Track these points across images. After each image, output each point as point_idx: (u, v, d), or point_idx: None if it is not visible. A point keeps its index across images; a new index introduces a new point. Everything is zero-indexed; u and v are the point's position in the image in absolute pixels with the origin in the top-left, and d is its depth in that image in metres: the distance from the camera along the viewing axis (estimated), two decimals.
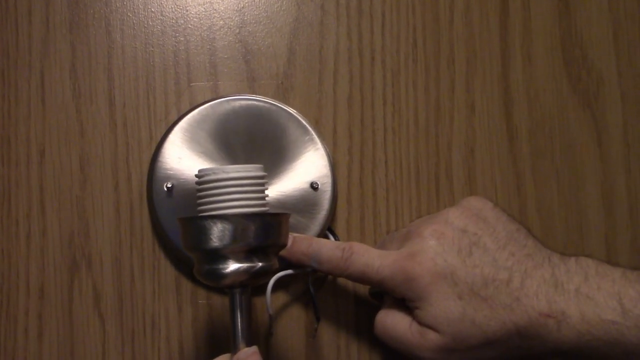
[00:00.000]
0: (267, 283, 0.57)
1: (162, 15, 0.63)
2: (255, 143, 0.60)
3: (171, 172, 0.59)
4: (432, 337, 0.51)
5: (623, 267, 0.50)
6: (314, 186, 0.60)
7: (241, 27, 0.64)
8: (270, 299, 0.56)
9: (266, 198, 0.52)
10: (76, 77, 0.62)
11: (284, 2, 0.64)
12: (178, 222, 0.51)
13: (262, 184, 0.52)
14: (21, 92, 0.62)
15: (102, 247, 0.61)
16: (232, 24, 0.64)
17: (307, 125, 0.61)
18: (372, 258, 0.53)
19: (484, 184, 0.64)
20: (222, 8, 0.64)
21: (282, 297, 0.62)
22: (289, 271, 0.57)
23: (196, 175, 0.52)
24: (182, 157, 0.59)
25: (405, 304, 0.53)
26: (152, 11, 0.63)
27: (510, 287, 0.50)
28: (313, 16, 0.64)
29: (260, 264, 0.50)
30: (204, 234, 0.49)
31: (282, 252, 0.55)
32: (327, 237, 0.61)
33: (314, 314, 0.60)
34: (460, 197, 0.63)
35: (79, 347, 0.61)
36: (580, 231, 0.64)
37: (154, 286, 0.61)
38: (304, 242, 0.56)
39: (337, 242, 0.57)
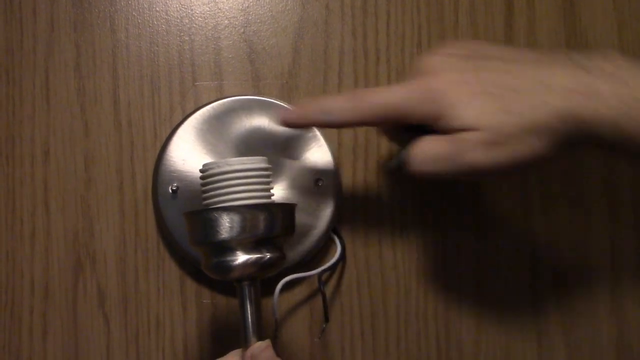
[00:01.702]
0: (273, 284, 0.57)
1: (166, 14, 0.63)
2: (260, 142, 0.60)
3: (176, 174, 0.59)
4: (471, 136, 0.48)
5: None
6: (318, 183, 0.60)
7: (246, 26, 0.64)
8: (278, 303, 0.56)
9: (271, 190, 0.52)
10: (81, 77, 0.62)
11: (289, 2, 0.64)
12: (184, 217, 0.51)
13: (267, 176, 0.52)
14: (26, 91, 0.62)
15: (107, 246, 0.61)
16: (236, 23, 0.64)
17: None
18: (390, 91, 0.51)
19: (487, 185, 0.64)
20: (226, 7, 0.64)
21: (287, 298, 0.62)
22: (298, 275, 0.57)
23: (200, 170, 0.52)
24: (187, 159, 0.59)
25: (433, 127, 0.50)
26: (156, 10, 0.63)
27: (539, 74, 0.48)
28: (318, 15, 0.64)
29: (269, 255, 0.50)
30: (211, 226, 0.49)
31: (290, 118, 0.53)
32: (332, 239, 0.61)
33: (324, 314, 0.60)
34: (464, 196, 0.63)
35: (84, 346, 0.61)
36: (585, 233, 0.64)
37: (158, 286, 0.61)
38: (312, 102, 0.53)
39: (344, 91, 0.55)
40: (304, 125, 0.55)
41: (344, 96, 0.52)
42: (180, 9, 0.63)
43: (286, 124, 0.53)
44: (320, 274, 0.59)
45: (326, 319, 0.60)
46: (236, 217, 0.49)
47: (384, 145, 0.63)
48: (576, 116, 0.47)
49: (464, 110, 0.48)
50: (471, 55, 0.51)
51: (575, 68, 0.48)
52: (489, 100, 0.48)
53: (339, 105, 0.51)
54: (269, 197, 0.52)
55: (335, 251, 0.61)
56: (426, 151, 0.50)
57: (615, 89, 0.47)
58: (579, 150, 0.49)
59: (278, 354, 0.49)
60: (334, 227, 0.61)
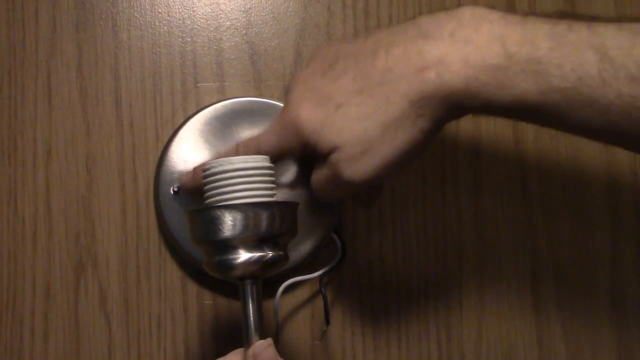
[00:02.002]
0: (275, 286, 0.57)
1: (169, 15, 0.63)
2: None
3: (177, 175, 0.59)
4: (338, 156, 0.48)
5: (503, 11, 0.46)
6: None
7: (248, 28, 0.64)
8: (279, 306, 0.56)
9: (274, 189, 0.52)
10: (83, 78, 0.62)
11: (291, 4, 0.64)
12: (186, 215, 0.51)
13: (269, 175, 0.52)
14: (28, 92, 0.62)
15: (108, 247, 0.61)
16: (238, 24, 0.64)
17: None
18: (259, 135, 0.52)
19: (489, 185, 0.64)
20: (228, 9, 0.64)
21: (289, 300, 0.62)
22: (299, 278, 0.57)
23: (203, 169, 0.52)
24: (189, 160, 0.59)
25: (311, 154, 0.51)
26: (159, 12, 0.63)
27: (377, 65, 0.47)
28: (320, 17, 0.64)
29: (271, 253, 0.50)
30: (213, 224, 0.49)
31: (188, 184, 0.56)
32: (332, 240, 0.61)
33: (325, 317, 0.59)
34: (466, 198, 0.63)
35: (85, 347, 0.61)
36: (585, 232, 0.64)
37: (159, 287, 0.61)
38: (198, 167, 0.55)
39: (242, 139, 0.56)
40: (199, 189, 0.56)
41: (231, 152, 0.54)
42: (182, 10, 0.63)
43: (186, 191, 0.58)
44: (321, 277, 0.59)
45: (327, 322, 0.60)
46: (238, 216, 0.49)
47: None
48: (427, 94, 0.46)
49: (323, 134, 0.48)
50: (327, 64, 0.50)
51: (420, 39, 0.46)
52: (342, 113, 0.48)
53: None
54: (272, 195, 0.51)
55: (336, 253, 0.61)
56: (315, 183, 0.53)
57: (461, 53, 0.45)
58: (461, 117, 0.48)
59: (280, 354, 0.49)
60: (335, 228, 0.61)
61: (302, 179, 0.60)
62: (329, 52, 0.51)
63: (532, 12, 0.47)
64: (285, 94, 0.52)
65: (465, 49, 0.45)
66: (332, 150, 0.48)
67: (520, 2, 0.65)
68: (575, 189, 0.64)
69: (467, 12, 0.46)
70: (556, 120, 0.45)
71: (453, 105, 0.46)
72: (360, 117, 0.47)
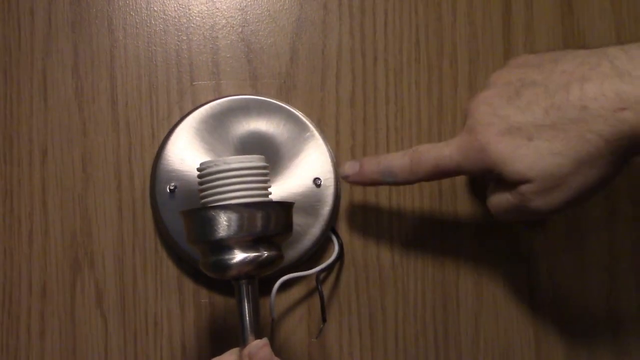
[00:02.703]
0: (271, 283, 0.57)
1: (164, 14, 0.63)
2: (258, 142, 0.60)
3: (174, 174, 0.59)
4: (528, 188, 0.49)
5: None
6: (317, 182, 0.60)
7: (244, 25, 0.64)
8: (275, 302, 0.56)
9: (269, 189, 0.52)
10: (78, 76, 0.62)
11: (287, 1, 0.64)
12: (181, 216, 0.51)
13: (265, 174, 0.52)
14: (23, 90, 0.62)
15: (105, 246, 0.61)
16: (234, 22, 0.64)
17: (309, 123, 0.61)
18: (440, 150, 0.52)
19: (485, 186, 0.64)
20: (224, 7, 0.64)
21: (285, 297, 0.62)
22: (295, 274, 0.57)
23: (198, 169, 0.52)
24: (185, 158, 0.59)
25: (495, 179, 0.52)
26: (154, 10, 0.63)
27: (572, 100, 0.47)
28: (316, 15, 0.64)
29: (266, 253, 0.50)
30: (208, 224, 0.49)
31: (354, 177, 0.56)
32: (330, 239, 0.61)
33: (321, 314, 0.59)
34: (463, 194, 0.63)
35: (81, 346, 0.61)
36: (582, 229, 0.64)
37: (156, 285, 0.61)
38: (372, 161, 0.56)
39: (402, 151, 0.56)
40: (365, 184, 0.58)
41: (403, 157, 0.54)
42: (177, 8, 0.63)
43: (347, 180, 0.57)
44: (318, 274, 0.60)
45: (324, 319, 0.60)
46: (233, 216, 0.49)
47: (381, 145, 0.63)
48: (623, 134, 0.46)
49: (513, 166, 0.49)
50: (512, 89, 0.50)
51: (616, 78, 0.46)
52: (534, 147, 0.48)
53: (399, 167, 0.54)
54: (267, 195, 0.52)
55: (333, 251, 0.61)
56: (496, 205, 0.53)
57: None
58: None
59: (276, 353, 0.49)
60: (332, 227, 0.61)
61: (298, 177, 0.60)
62: (512, 77, 0.51)
63: None
64: (468, 115, 0.52)
65: None
66: (522, 181, 0.49)
67: (517, 3, 0.65)
68: None
69: None
70: None
71: None
72: (554, 153, 0.48)
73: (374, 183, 0.56)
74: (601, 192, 0.50)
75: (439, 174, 0.53)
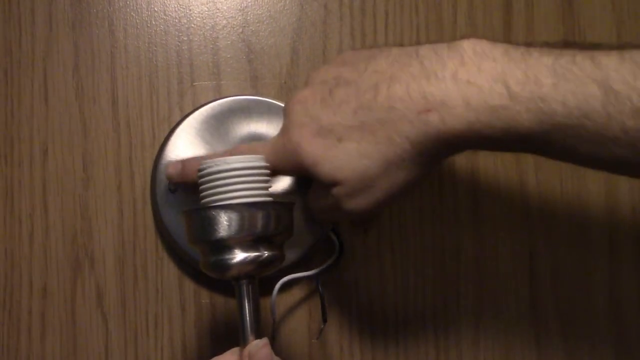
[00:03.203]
0: (272, 284, 0.57)
1: (165, 14, 0.63)
2: (258, 142, 0.60)
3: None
4: (339, 190, 0.49)
5: (506, 44, 0.46)
6: None
7: (244, 26, 0.64)
8: (276, 303, 0.56)
9: (270, 188, 0.52)
10: (79, 77, 0.62)
11: (287, 2, 0.64)
12: (182, 215, 0.51)
13: (265, 174, 0.52)
14: (24, 91, 0.62)
15: (105, 246, 0.61)
16: (235, 23, 0.64)
17: None
18: (255, 150, 0.52)
19: (487, 182, 0.64)
20: (225, 7, 0.64)
21: (285, 298, 0.62)
22: (296, 275, 0.57)
23: (198, 169, 0.52)
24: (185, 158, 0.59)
25: (312, 180, 0.52)
26: (155, 10, 0.63)
27: (379, 100, 0.47)
28: (316, 16, 0.64)
29: (267, 253, 0.50)
30: (209, 224, 0.49)
31: (176, 179, 0.56)
32: (330, 238, 0.61)
33: (322, 315, 0.59)
34: (464, 195, 0.63)
35: (82, 346, 0.61)
36: (582, 228, 0.64)
37: (157, 286, 0.61)
38: (194, 162, 0.55)
39: (224, 149, 0.56)
40: (187, 185, 0.56)
41: (223, 157, 0.53)
42: (178, 9, 0.63)
43: (171, 181, 0.58)
44: (318, 275, 0.59)
45: (324, 320, 0.59)
46: (234, 215, 0.49)
47: None
48: (429, 136, 0.46)
49: (324, 168, 0.49)
50: (326, 88, 0.50)
51: (423, 79, 0.46)
52: (343, 149, 0.48)
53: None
54: (267, 195, 0.52)
55: (333, 251, 0.61)
56: (314, 206, 0.54)
57: (464, 95, 0.45)
58: (461, 153, 0.49)
59: (276, 353, 0.49)
60: (332, 227, 0.61)
61: (298, 177, 0.60)
62: (328, 76, 0.51)
63: (535, 43, 0.46)
64: (284, 115, 0.52)
65: (468, 91, 0.45)
66: (334, 184, 0.49)
67: (517, 3, 0.65)
68: (573, 188, 0.64)
69: (469, 48, 0.46)
70: (561, 155, 0.45)
71: (454, 145, 0.47)
72: (362, 155, 0.48)
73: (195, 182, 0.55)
74: (412, 191, 0.50)
75: None
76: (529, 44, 0.46)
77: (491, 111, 0.44)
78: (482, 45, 0.46)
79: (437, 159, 0.49)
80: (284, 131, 0.51)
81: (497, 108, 0.44)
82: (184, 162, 0.56)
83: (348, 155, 0.48)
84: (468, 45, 0.46)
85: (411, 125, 0.46)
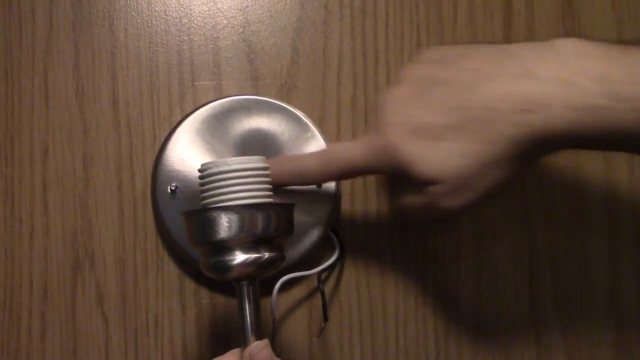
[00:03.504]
0: (272, 283, 0.57)
1: (165, 14, 0.63)
2: (259, 142, 0.60)
3: (175, 174, 0.59)
4: (437, 189, 0.48)
5: (604, 41, 0.46)
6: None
7: (245, 26, 0.64)
8: (276, 302, 0.56)
9: (270, 189, 0.52)
10: (79, 76, 0.62)
11: (288, 2, 0.64)
12: (183, 217, 0.51)
13: (266, 175, 0.52)
14: (24, 91, 0.62)
15: (106, 246, 0.61)
16: (235, 23, 0.64)
17: (310, 124, 0.61)
18: (348, 149, 0.52)
19: None
20: (225, 7, 0.64)
21: (286, 297, 0.62)
22: (296, 274, 0.57)
23: (199, 170, 0.52)
24: (186, 158, 0.59)
25: (403, 178, 0.51)
26: (155, 10, 0.63)
27: (477, 100, 0.47)
28: (316, 16, 0.64)
29: (267, 254, 0.50)
30: (209, 226, 0.49)
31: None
32: (330, 239, 0.61)
33: (323, 313, 0.59)
34: None
35: (82, 346, 0.61)
36: (583, 230, 0.64)
37: (157, 285, 0.61)
38: (279, 163, 0.55)
39: (312, 152, 0.56)
40: (275, 186, 0.56)
41: (313, 158, 0.54)
42: (179, 8, 0.63)
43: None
44: (319, 273, 0.59)
45: (325, 318, 0.60)
46: (234, 217, 0.49)
47: None
48: (528, 136, 0.46)
49: (421, 167, 0.48)
50: (421, 86, 0.50)
51: (523, 79, 0.46)
52: (442, 148, 0.48)
53: (308, 169, 0.54)
54: (268, 196, 0.52)
55: (334, 252, 0.61)
56: (405, 204, 0.52)
57: (565, 96, 0.44)
58: (549, 155, 0.49)
59: (277, 353, 0.49)
60: (332, 227, 0.61)
61: None
62: (421, 74, 0.51)
63: (632, 40, 0.46)
64: (376, 112, 0.52)
65: (570, 91, 0.44)
66: (430, 182, 0.49)
67: (517, 3, 0.65)
68: (574, 188, 0.64)
69: (569, 48, 0.45)
70: None
71: (553, 145, 0.47)
72: (461, 154, 0.47)
73: (285, 184, 0.56)
74: (507, 191, 0.50)
75: (349, 173, 0.54)
76: (622, 42, 0.46)
77: (592, 111, 0.44)
78: (582, 45, 0.46)
79: (535, 159, 0.48)
80: (377, 129, 0.50)
81: (598, 108, 0.44)
82: (272, 164, 0.55)
83: (446, 154, 0.48)
84: (567, 45, 0.46)
85: (511, 125, 0.46)
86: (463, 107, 0.47)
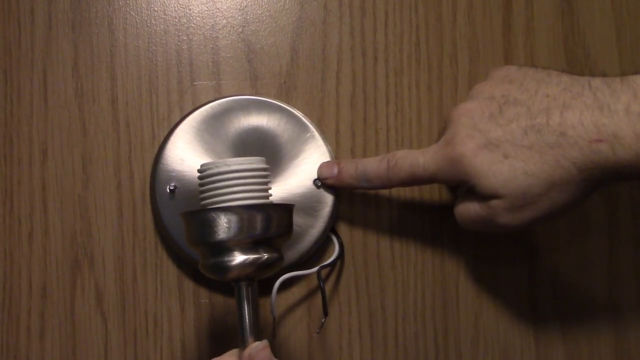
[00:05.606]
0: (272, 282, 0.57)
1: (164, 14, 0.63)
2: (258, 142, 0.60)
3: (174, 174, 0.59)
4: (498, 204, 0.51)
5: None
6: (317, 183, 0.60)
7: (244, 26, 0.64)
8: (275, 301, 0.56)
9: (269, 190, 0.52)
10: (79, 76, 0.62)
11: (287, 1, 0.64)
12: (181, 217, 0.51)
13: (265, 176, 0.52)
14: (24, 91, 0.62)
15: (105, 246, 0.61)
16: (234, 22, 0.64)
17: (309, 124, 0.61)
18: (415, 158, 0.54)
19: None
20: (224, 7, 0.64)
21: (285, 296, 0.62)
22: (296, 272, 0.57)
23: (198, 170, 0.52)
24: (185, 158, 0.59)
25: (466, 189, 0.53)
26: (154, 10, 0.63)
27: (551, 125, 0.49)
28: (316, 15, 0.64)
29: (266, 255, 0.50)
30: (208, 226, 0.49)
31: (330, 181, 0.58)
32: (330, 239, 0.61)
33: (323, 309, 0.59)
34: None
35: (81, 346, 0.61)
36: (583, 228, 0.64)
37: (156, 285, 0.61)
38: (350, 165, 0.57)
39: (380, 155, 0.57)
40: (341, 188, 0.59)
41: (379, 163, 0.56)
42: (178, 8, 0.63)
43: (325, 183, 0.59)
44: (319, 270, 0.59)
45: (325, 313, 0.59)
46: (233, 218, 0.49)
47: (381, 145, 0.63)
48: (596, 165, 0.48)
49: (487, 180, 0.50)
50: (495, 104, 0.52)
51: (596, 110, 0.48)
52: (509, 165, 0.50)
53: (375, 173, 0.56)
54: (267, 197, 0.52)
55: (333, 251, 0.61)
56: (464, 214, 0.55)
57: (635, 127, 0.46)
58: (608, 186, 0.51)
59: (276, 352, 0.50)
60: (332, 227, 0.61)
61: (298, 178, 0.60)
62: (496, 92, 0.52)
63: None
64: (447, 125, 0.54)
65: (639, 123, 0.46)
66: (494, 196, 0.51)
67: (517, 3, 0.65)
68: None
69: (638, 82, 0.47)
70: None
71: (621, 174, 0.48)
72: (528, 173, 0.49)
73: (351, 187, 0.59)
74: (568, 214, 0.52)
75: (414, 181, 0.55)
76: None
77: None
78: None
79: (600, 186, 0.50)
80: (448, 141, 0.52)
81: None
82: (341, 166, 0.58)
83: (513, 172, 0.50)
84: (638, 80, 0.48)
85: (581, 152, 0.48)
86: (535, 130, 0.49)
